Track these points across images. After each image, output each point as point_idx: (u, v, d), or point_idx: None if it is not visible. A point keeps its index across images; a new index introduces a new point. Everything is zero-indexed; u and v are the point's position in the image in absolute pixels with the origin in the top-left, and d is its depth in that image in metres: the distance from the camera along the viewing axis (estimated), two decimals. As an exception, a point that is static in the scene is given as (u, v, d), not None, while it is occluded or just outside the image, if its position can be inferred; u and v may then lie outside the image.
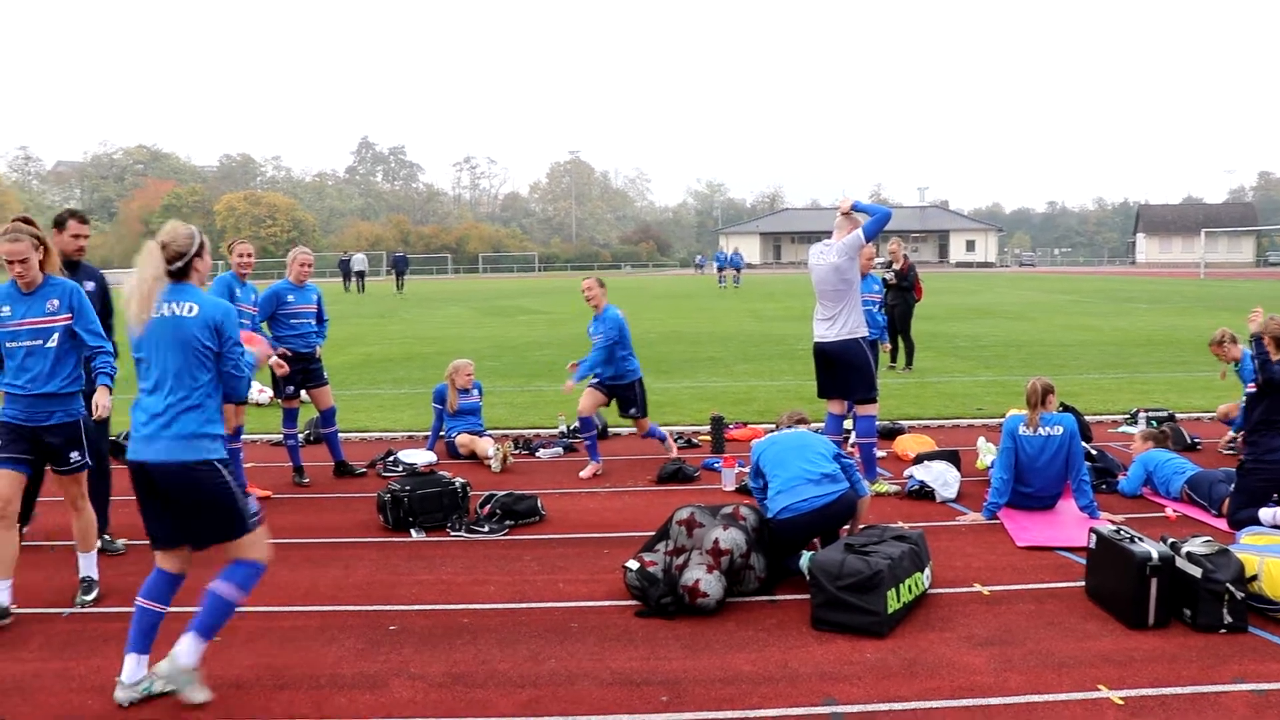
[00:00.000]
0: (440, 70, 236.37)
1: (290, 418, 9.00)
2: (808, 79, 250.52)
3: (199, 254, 4.62)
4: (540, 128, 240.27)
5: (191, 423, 4.43)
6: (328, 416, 9.21)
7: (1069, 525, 7.07)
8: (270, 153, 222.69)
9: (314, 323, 9.03)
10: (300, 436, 9.78)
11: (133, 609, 4.64)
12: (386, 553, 6.85)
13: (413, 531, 7.27)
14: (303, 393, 9.05)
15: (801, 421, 6.84)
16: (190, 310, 4.47)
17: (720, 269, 52.67)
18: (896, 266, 15.67)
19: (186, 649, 4.50)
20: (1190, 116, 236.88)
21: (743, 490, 8.29)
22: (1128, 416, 11.17)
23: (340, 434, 9.63)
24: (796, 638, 5.21)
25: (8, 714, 4.46)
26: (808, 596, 5.50)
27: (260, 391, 13.69)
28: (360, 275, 54.02)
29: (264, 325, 8.73)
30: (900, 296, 15.70)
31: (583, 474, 8.98)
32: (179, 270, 4.55)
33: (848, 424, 8.77)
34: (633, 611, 5.60)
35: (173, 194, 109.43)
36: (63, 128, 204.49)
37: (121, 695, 4.51)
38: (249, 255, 8.39)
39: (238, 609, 4.69)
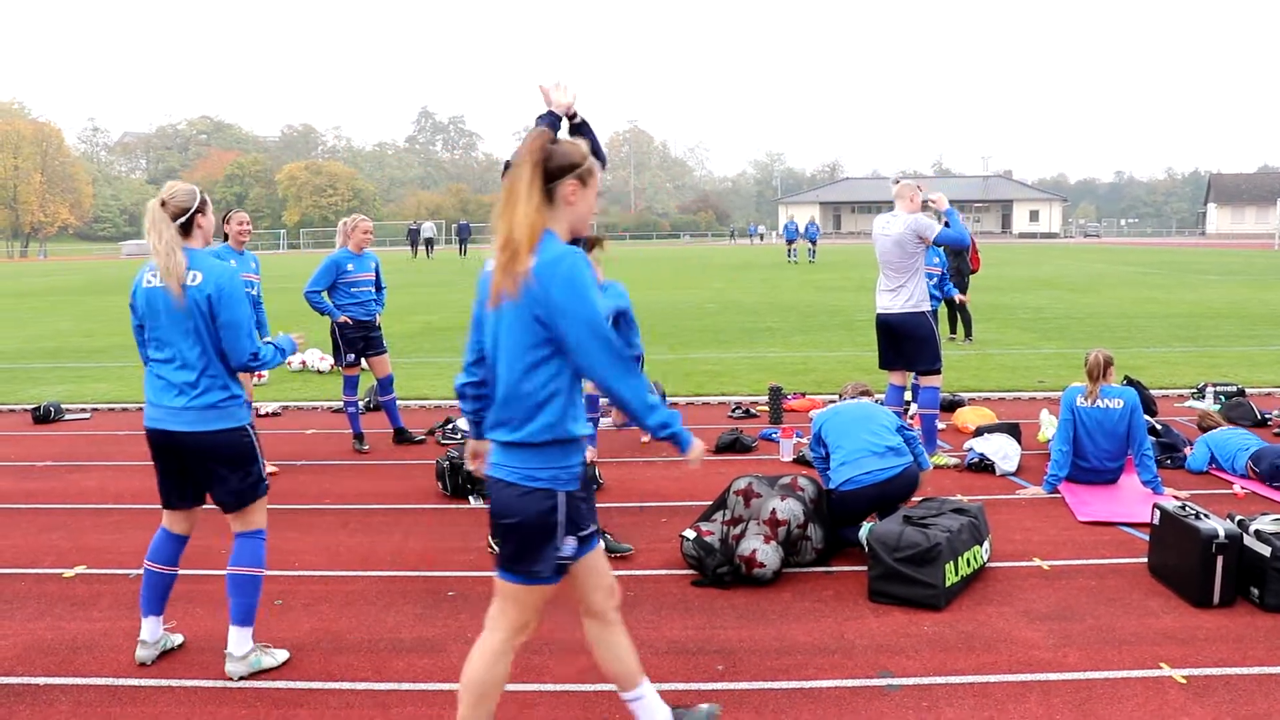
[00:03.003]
0: (499, 39, 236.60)
1: (351, 385, 9.11)
2: (869, 46, 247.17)
3: (200, 210, 4.42)
4: (599, 96, 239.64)
5: (216, 392, 4.37)
6: (385, 385, 9.31)
7: (1132, 500, 6.95)
8: (331, 123, 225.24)
9: (373, 290, 9.10)
10: (360, 404, 9.90)
11: (164, 572, 4.66)
12: (445, 520, 6.92)
13: (471, 499, 7.34)
14: (363, 360, 9.16)
15: (865, 394, 6.80)
16: (194, 279, 4.30)
17: (790, 241, 44.71)
18: None
19: (236, 642, 4.52)
20: (1266, 82, 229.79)
21: (800, 461, 8.27)
22: (1195, 391, 10.93)
23: (400, 401, 9.73)
24: (853, 609, 5.19)
25: (79, 670, 4.58)
26: (865, 568, 5.47)
27: (321, 359, 13.90)
28: (429, 242, 57.57)
29: (325, 294, 8.81)
30: (956, 268, 15.46)
31: (645, 438, 9.05)
32: (181, 228, 4.37)
33: (908, 395, 8.70)
34: (689, 581, 5.61)
35: (235, 164, 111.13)
36: (129, 99, 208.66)
37: (143, 654, 4.60)
38: (247, 224, 8.29)
39: (290, 573, 4.76)
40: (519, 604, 3.41)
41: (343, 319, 8.84)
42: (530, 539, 3.26)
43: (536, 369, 3.18)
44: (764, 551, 5.53)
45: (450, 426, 9.51)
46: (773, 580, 5.53)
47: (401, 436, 9.38)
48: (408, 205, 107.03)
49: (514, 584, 3.38)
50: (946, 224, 8.00)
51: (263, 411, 10.99)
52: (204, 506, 4.66)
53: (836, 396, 7.13)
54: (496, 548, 3.39)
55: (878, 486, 5.89)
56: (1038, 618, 5.03)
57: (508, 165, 3.44)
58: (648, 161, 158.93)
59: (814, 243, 44.07)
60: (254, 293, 8.22)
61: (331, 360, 13.72)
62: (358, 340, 8.97)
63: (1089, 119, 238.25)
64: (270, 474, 7.80)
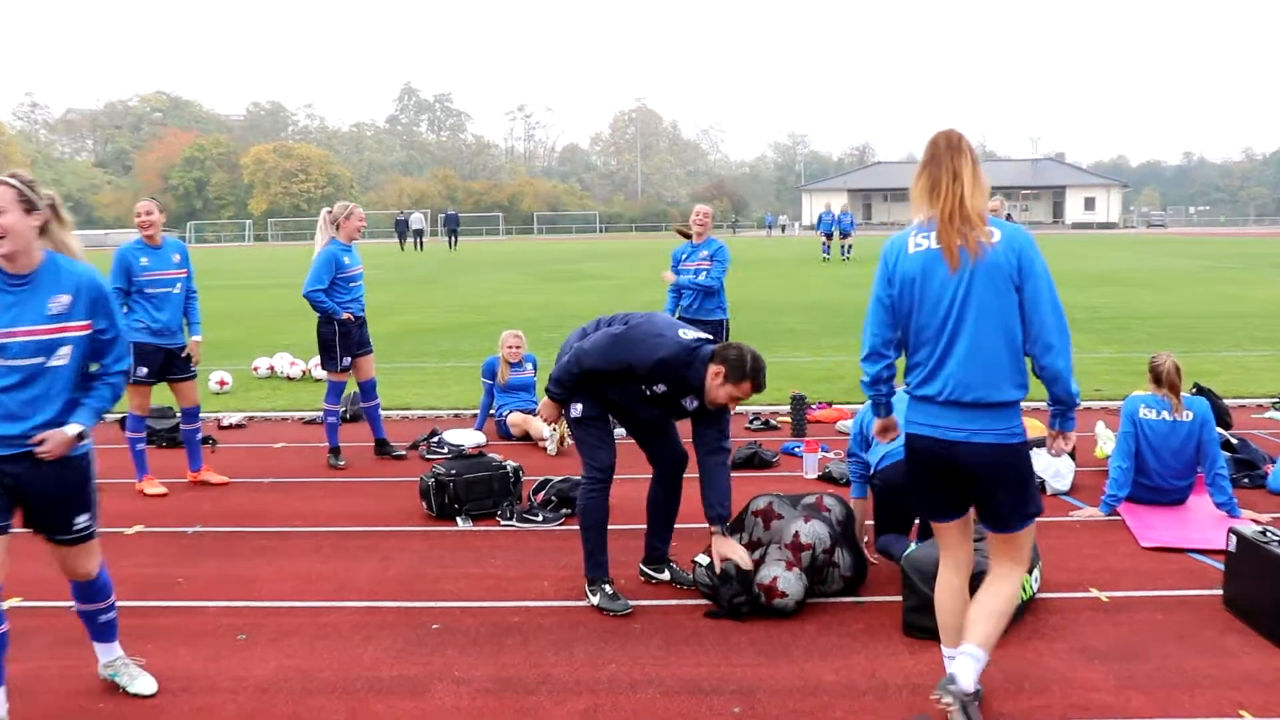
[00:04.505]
0: (490, 6, 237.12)
1: (337, 392, 9.16)
2: (903, 15, 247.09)
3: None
4: (602, 72, 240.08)
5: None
6: (369, 389, 9.33)
7: (1203, 524, 6.93)
8: (303, 100, 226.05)
9: (364, 283, 9.25)
10: (339, 414, 9.89)
11: (117, 605, 4.75)
12: (429, 544, 6.92)
13: (459, 520, 7.34)
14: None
15: None
16: None
17: (827, 235, 42.44)
18: None
19: (103, 650, 4.72)
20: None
21: (825, 478, 8.25)
22: (1276, 401, 10.89)
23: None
24: (886, 645, 5.17)
25: (12, 715, 4.58)
26: (899, 599, 5.45)
27: (292, 364, 13.92)
28: (419, 234, 59.71)
29: (324, 292, 8.89)
30: None
31: None
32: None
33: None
34: (702, 612, 5.60)
35: (195, 145, 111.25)
36: (74, 72, 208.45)
37: None
38: (146, 213, 8.08)
39: (255, 604, 4.75)
40: (1022, 544, 4.34)
41: (346, 315, 8.93)
42: (1026, 484, 4.24)
43: (1009, 329, 4.09)
44: (786, 579, 5.51)
45: (436, 440, 9.51)
46: (795, 611, 5.52)
47: (383, 448, 9.40)
48: (388, 192, 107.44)
49: (1023, 530, 4.29)
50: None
51: (225, 423, 11.00)
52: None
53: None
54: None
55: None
56: (1096, 656, 5.00)
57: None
58: (656, 144, 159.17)
59: (846, 236, 42.17)
60: (176, 290, 8.17)
61: (303, 365, 13.77)
62: (351, 341, 9.01)
63: (1153, 93, 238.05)
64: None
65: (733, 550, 5.60)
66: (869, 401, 4.64)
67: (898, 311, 4.27)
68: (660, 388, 5.53)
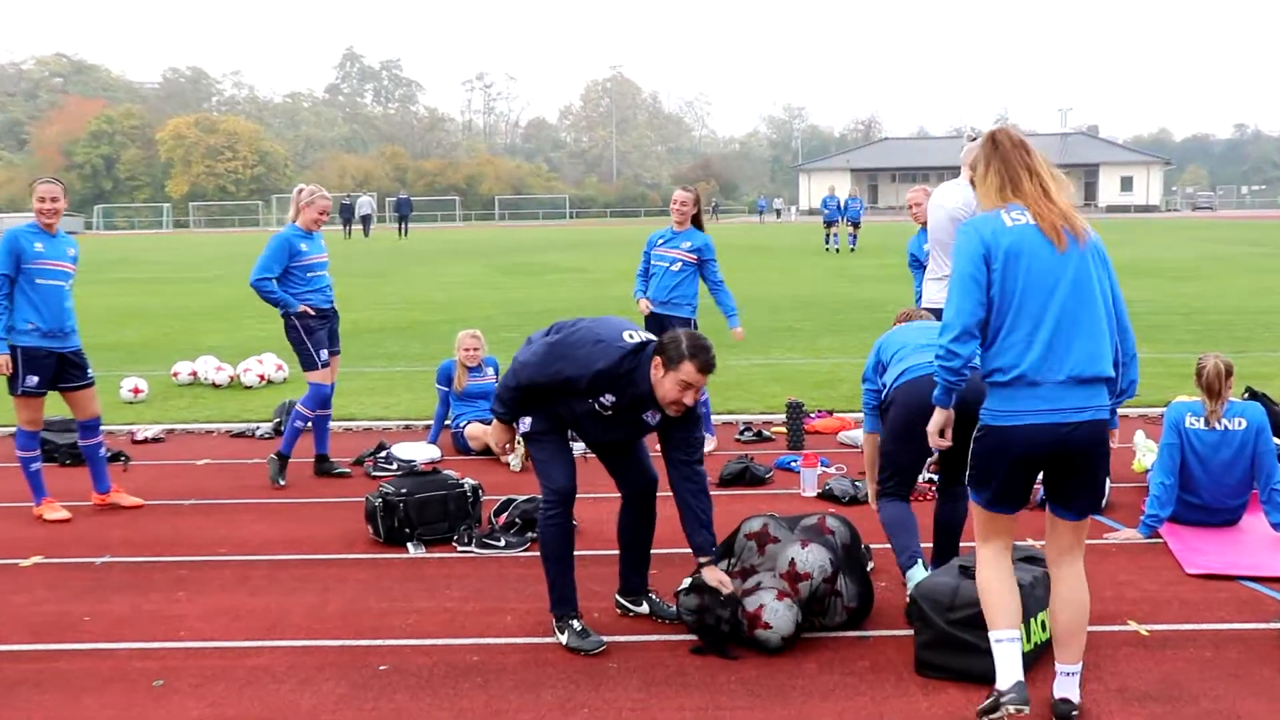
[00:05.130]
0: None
1: (315, 396, 9.16)
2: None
3: None
4: (572, 37, 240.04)
5: None
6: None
7: (1257, 548, 6.97)
8: (228, 67, 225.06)
9: (329, 274, 9.27)
10: (270, 426, 9.89)
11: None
12: (376, 573, 6.90)
13: (410, 546, 7.33)
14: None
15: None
16: None
17: (829, 223, 41.17)
18: None
19: None
20: None
21: (826, 496, 8.27)
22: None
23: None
24: (895, 685, 5.18)
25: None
26: (909, 633, 5.46)
27: (219, 369, 13.85)
28: (366, 220, 61.63)
29: (275, 280, 8.89)
30: None
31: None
32: None
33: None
34: (686, 648, 5.60)
35: (103, 117, 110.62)
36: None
37: None
38: (49, 198, 8.02)
39: (174, 644, 4.73)
40: (1085, 533, 4.90)
41: (302, 308, 8.91)
42: (1106, 466, 4.77)
43: (1109, 308, 4.61)
44: (773, 610, 5.50)
45: (383, 455, 9.48)
46: (781, 648, 5.51)
47: (324, 465, 9.37)
48: (329, 172, 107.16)
49: (1091, 515, 4.83)
50: None
51: (140, 436, 10.94)
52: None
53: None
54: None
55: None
56: (1136, 698, 5.02)
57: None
58: (633, 118, 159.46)
59: (856, 225, 41.48)
60: (67, 286, 8.11)
61: (230, 371, 13.72)
62: (323, 335, 9.00)
63: (1200, 58, 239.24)
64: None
65: (724, 584, 5.63)
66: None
67: (1002, 289, 4.56)
68: (609, 399, 5.54)
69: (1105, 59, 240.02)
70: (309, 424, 9.26)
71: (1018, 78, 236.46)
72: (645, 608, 6.10)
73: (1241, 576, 6.51)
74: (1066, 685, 4.74)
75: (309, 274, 9.04)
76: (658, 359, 5.40)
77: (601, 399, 5.54)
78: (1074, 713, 4.67)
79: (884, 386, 6.35)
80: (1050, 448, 4.55)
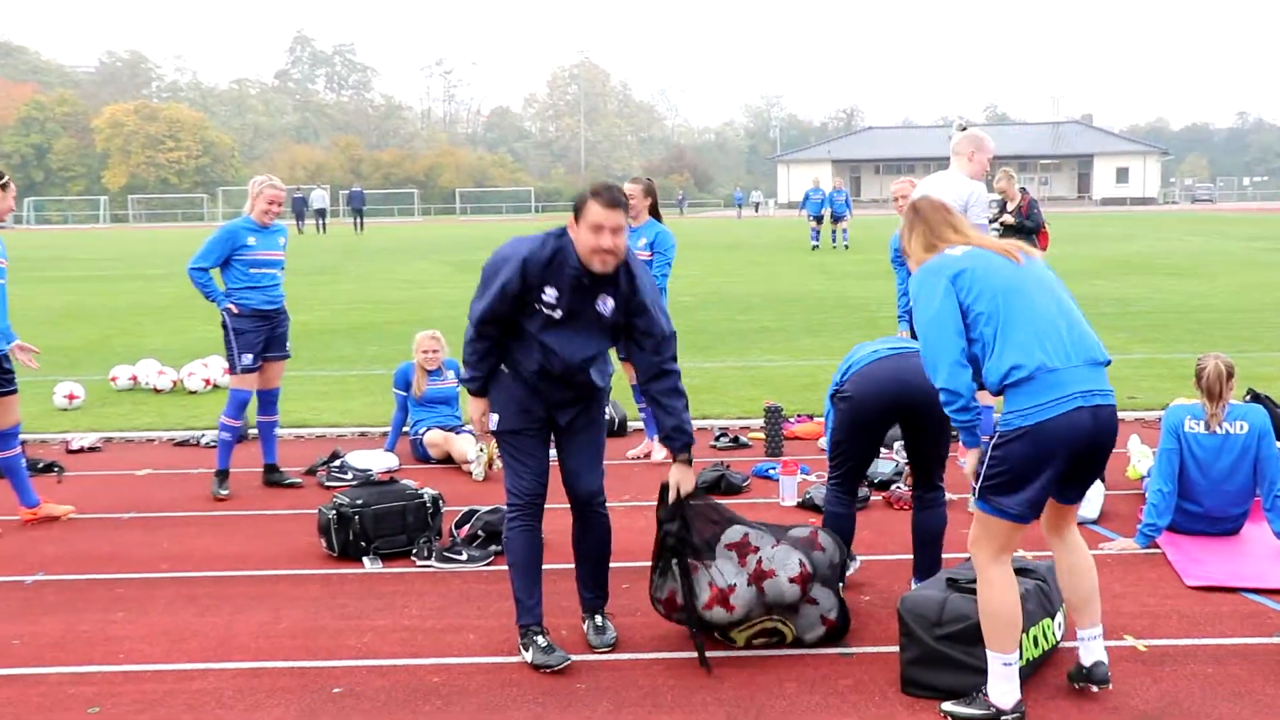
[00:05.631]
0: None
1: (235, 404, 9.08)
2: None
3: None
4: (538, 21, 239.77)
5: None
6: (269, 400, 9.28)
7: (1261, 558, 7.01)
8: (170, 51, 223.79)
9: (280, 273, 9.21)
10: (215, 434, 9.81)
11: None
12: (330, 590, 6.87)
13: (366, 561, 7.30)
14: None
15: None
16: None
17: (815, 217, 39.58)
18: (1011, 206, 15.38)
19: None
20: None
21: (806, 505, 8.28)
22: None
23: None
24: (880, 705, 5.20)
25: None
26: (895, 649, 5.47)
27: (160, 373, 13.77)
28: (320, 214, 62.24)
29: (209, 271, 8.87)
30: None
31: (632, 452, 9.65)
32: None
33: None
34: (660, 667, 5.60)
35: (33, 103, 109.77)
36: None
37: None
38: None
39: (112, 668, 4.70)
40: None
41: (229, 306, 8.86)
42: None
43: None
44: (738, 587, 5.64)
45: (337, 464, 9.45)
46: (729, 624, 5.61)
47: (273, 475, 9.33)
48: (279, 163, 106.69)
49: None
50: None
51: (76, 445, 10.86)
52: None
53: None
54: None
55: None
56: (1134, 717, 5.05)
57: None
58: (603, 107, 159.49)
59: (840, 219, 39.23)
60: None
61: (173, 375, 13.65)
62: (257, 338, 8.92)
63: (1198, 44, 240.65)
64: None
65: (683, 483, 5.75)
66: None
67: (980, 302, 4.79)
68: (550, 293, 5.54)
69: (1100, 44, 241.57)
70: (235, 435, 9.22)
71: (1007, 64, 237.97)
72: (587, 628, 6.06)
73: (1244, 589, 6.54)
74: (1095, 649, 5.07)
75: (253, 269, 8.97)
76: (570, 220, 5.52)
77: (544, 296, 5.54)
78: (1108, 672, 5.06)
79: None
80: (1091, 435, 4.72)
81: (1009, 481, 4.72)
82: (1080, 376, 4.70)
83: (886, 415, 6.17)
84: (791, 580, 5.69)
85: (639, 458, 9.77)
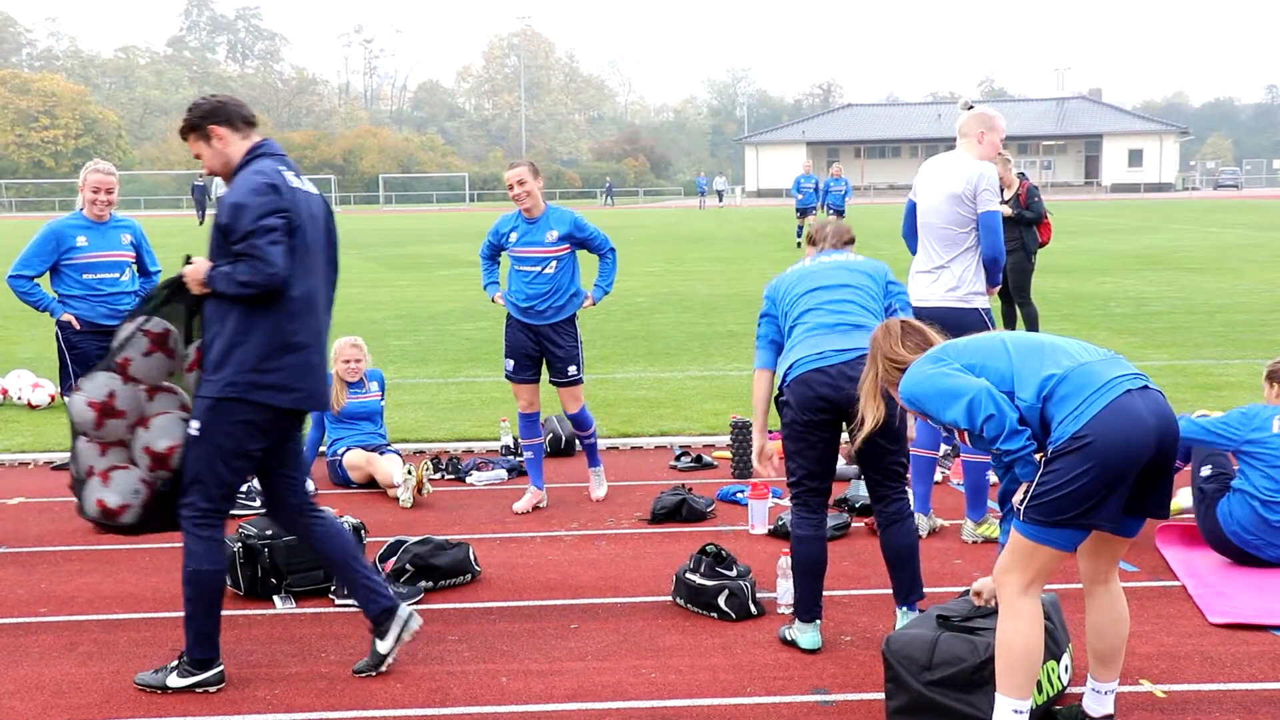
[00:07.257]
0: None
1: None
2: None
3: None
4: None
5: None
6: None
7: (1289, 591, 7.05)
8: (43, 13, 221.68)
9: (125, 278, 9.06)
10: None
11: None
12: (235, 634, 6.82)
13: (277, 600, 7.28)
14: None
15: (850, 244, 7.10)
16: None
17: (805, 211, 37.27)
18: (1009, 194, 15.35)
19: None
20: None
21: (778, 533, 8.29)
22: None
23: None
24: (867, 761, 5.22)
25: None
26: (879, 696, 5.50)
27: (35, 386, 13.68)
28: None
29: (38, 280, 8.84)
30: (1016, 238, 15.35)
31: (518, 506, 9.16)
32: None
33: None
34: (616, 716, 5.62)
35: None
36: None
37: None
38: None
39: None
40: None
41: (65, 317, 8.74)
42: None
43: None
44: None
45: (244, 490, 9.39)
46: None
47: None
48: (172, 145, 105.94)
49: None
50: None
51: (-61, 470, 10.77)
52: None
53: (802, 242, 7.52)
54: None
55: (832, 378, 6.26)
56: (1148, 769, 5.08)
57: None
58: (546, 81, 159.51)
59: (841, 212, 36.41)
60: None
61: (51, 389, 13.53)
62: (96, 354, 8.85)
63: (1220, 11, 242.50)
64: None
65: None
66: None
67: (1000, 360, 4.99)
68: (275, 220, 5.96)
69: (1109, 9, 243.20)
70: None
71: (1005, 33, 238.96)
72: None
73: (1275, 626, 6.56)
74: (1107, 703, 5.26)
75: (84, 275, 8.86)
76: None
77: (268, 221, 6.03)
78: None
79: (779, 332, 6.77)
80: (1159, 428, 4.79)
81: (1067, 496, 4.63)
82: (1116, 364, 4.87)
83: (825, 418, 6.31)
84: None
85: (525, 511, 9.12)
